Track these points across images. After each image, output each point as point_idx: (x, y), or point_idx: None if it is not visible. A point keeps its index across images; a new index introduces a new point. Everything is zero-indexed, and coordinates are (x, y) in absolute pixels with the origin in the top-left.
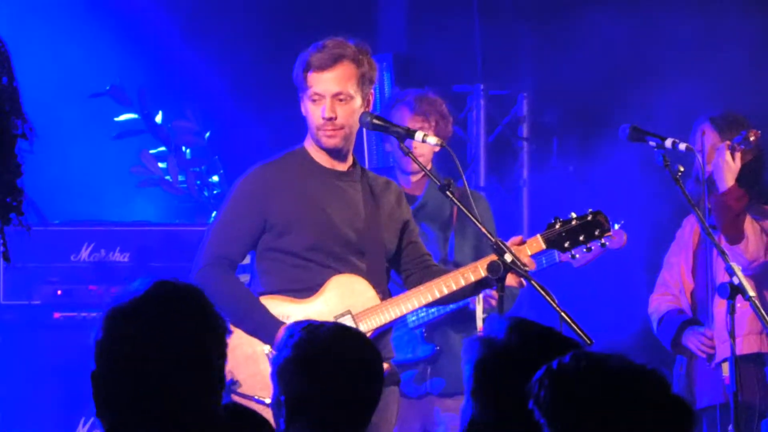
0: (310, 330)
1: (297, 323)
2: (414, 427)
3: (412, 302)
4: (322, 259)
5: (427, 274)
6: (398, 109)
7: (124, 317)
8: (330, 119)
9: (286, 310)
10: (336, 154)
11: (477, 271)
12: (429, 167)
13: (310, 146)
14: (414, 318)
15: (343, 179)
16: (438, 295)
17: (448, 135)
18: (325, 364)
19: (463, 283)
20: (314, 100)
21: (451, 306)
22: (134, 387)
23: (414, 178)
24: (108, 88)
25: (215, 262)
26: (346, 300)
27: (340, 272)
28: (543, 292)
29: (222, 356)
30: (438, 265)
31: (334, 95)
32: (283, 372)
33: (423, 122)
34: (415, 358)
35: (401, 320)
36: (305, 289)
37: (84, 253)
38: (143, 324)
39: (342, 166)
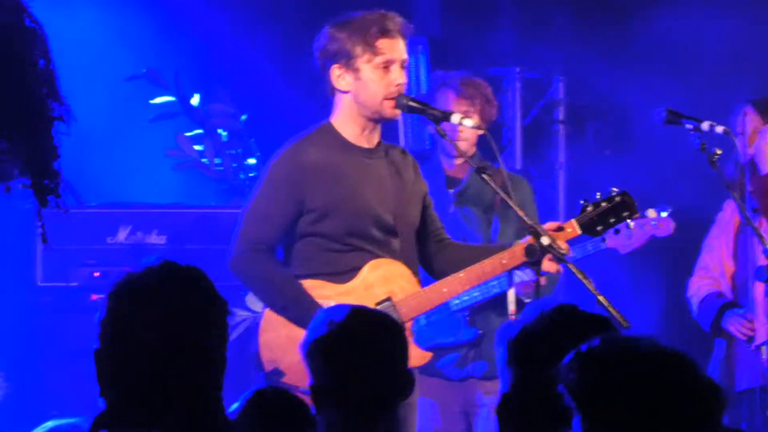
0: (335, 314)
1: (328, 309)
2: (456, 410)
3: (452, 289)
4: (359, 242)
5: (451, 252)
6: (442, 92)
7: (126, 296)
8: (402, 84)
9: (325, 294)
10: (372, 129)
11: (515, 257)
12: (473, 150)
13: (341, 123)
14: (457, 302)
15: (372, 157)
16: (477, 282)
17: (492, 118)
18: (349, 350)
19: (500, 270)
20: (385, 67)
21: (495, 290)
22: (135, 366)
23: (458, 161)
24: (144, 70)
25: (253, 247)
26: (386, 285)
27: (377, 255)
28: (581, 276)
29: (223, 337)
30: (448, 238)
31: (402, 62)
32: (309, 358)
33: (468, 106)
34: (457, 341)
35: (444, 303)
36: (343, 272)
37: (121, 236)
38: (144, 303)
39: (372, 144)
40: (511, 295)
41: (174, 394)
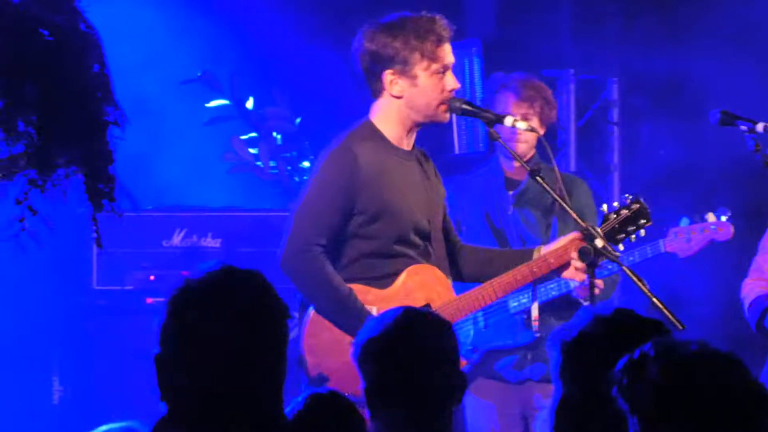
0: (388, 316)
1: (382, 314)
2: (514, 413)
3: (490, 295)
4: (402, 247)
5: (469, 255)
6: (502, 94)
7: (186, 301)
8: (455, 89)
9: (368, 299)
10: (413, 133)
11: (545, 264)
12: (532, 152)
13: (384, 125)
14: (515, 304)
15: (409, 159)
16: (516, 287)
17: (552, 121)
18: (403, 351)
19: (530, 279)
20: (441, 73)
21: (553, 293)
22: (197, 371)
23: (517, 164)
24: (199, 74)
25: (305, 248)
26: (424, 291)
27: (416, 261)
28: (635, 278)
29: (284, 340)
30: (461, 241)
31: (450, 66)
32: (360, 361)
33: (527, 108)
34: (515, 344)
35: (502, 306)
36: (384, 277)
37: (176, 239)
38: (204, 308)
39: (410, 147)
40: (535, 308)
41: (235, 398)
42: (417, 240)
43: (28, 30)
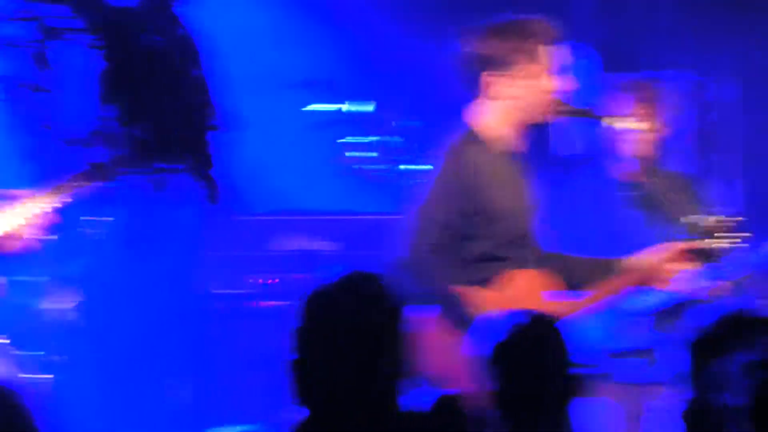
0: (509, 320)
1: (500, 317)
2: (636, 415)
3: (595, 298)
4: (512, 250)
5: (552, 262)
6: (619, 95)
7: (321, 307)
8: (562, 92)
9: (481, 301)
10: (518, 134)
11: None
12: (644, 153)
13: (490, 127)
14: (632, 306)
15: (514, 162)
16: (622, 289)
17: (667, 121)
18: (526, 354)
19: (647, 282)
20: (543, 74)
21: (669, 296)
22: (332, 374)
23: (626, 165)
24: (306, 78)
25: (420, 246)
26: (531, 295)
27: (522, 264)
28: (749, 278)
29: (404, 346)
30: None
31: (558, 69)
32: (484, 364)
33: (643, 108)
34: (637, 345)
35: (618, 308)
36: (494, 280)
37: (288, 242)
38: (340, 313)
39: (516, 147)
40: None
41: (370, 400)
42: (525, 242)
43: (133, 37)
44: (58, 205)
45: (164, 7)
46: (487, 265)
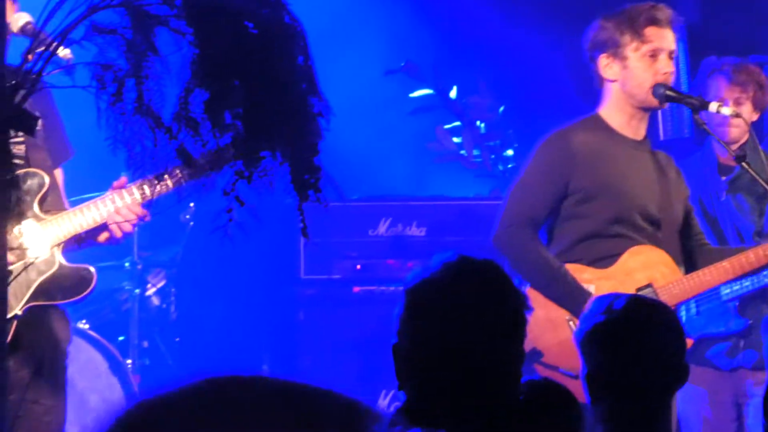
0: (612, 302)
1: (604, 296)
2: (726, 400)
3: (714, 277)
4: (623, 229)
5: (712, 256)
6: (714, 79)
7: (425, 292)
8: (670, 74)
9: (586, 277)
10: (639, 119)
11: None
12: (745, 137)
13: (609, 113)
14: (727, 291)
15: (639, 148)
16: (740, 272)
17: (766, 105)
18: (628, 338)
19: (765, 260)
20: (652, 56)
21: (766, 279)
22: (434, 361)
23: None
24: (403, 64)
25: (518, 223)
26: (646, 271)
27: (639, 243)
28: None
29: (521, 332)
30: (709, 244)
31: (670, 53)
32: (584, 345)
33: (740, 92)
34: (727, 331)
35: (714, 293)
36: (604, 258)
37: (382, 228)
38: (444, 299)
39: (639, 136)
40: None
41: (472, 388)
42: (642, 223)
43: (234, 23)
44: (151, 196)
45: None
46: (596, 243)
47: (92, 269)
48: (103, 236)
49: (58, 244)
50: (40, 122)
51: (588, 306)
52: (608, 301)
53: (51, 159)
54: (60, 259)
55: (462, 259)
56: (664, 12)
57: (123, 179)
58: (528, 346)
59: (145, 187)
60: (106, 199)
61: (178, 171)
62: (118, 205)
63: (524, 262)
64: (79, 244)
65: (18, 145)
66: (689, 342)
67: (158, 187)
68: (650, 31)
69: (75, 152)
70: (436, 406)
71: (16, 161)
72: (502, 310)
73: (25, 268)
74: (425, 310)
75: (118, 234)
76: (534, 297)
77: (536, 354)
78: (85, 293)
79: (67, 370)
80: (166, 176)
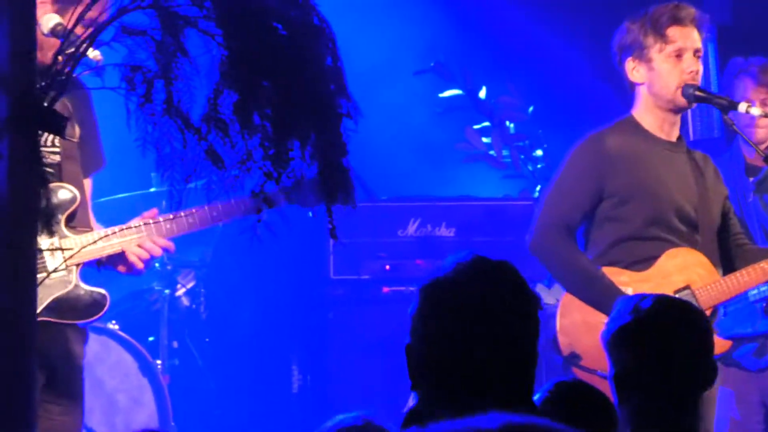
0: (640, 303)
1: (631, 297)
2: (753, 400)
3: (753, 278)
4: (659, 231)
5: (752, 255)
6: (741, 80)
7: (439, 292)
8: (696, 73)
9: (623, 280)
10: (671, 122)
11: None
12: None
13: (641, 116)
14: (755, 292)
15: (674, 150)
16: None
17: None
18: (655, 339)
19: None
20: (677, 56)
21: None
22: (448, 361)
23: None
24: (432, 64)
25: (553, 228)
26: (684, 273)
27: (676, 245)
28: None
29: (535, 332)
30: (749, 243)
31: (695, 51)
32: (611, 347)
33: (767, 94)
34: (755, 332)
35: (742, 294)
36: (641, 261)
37: (411, 228)
38: (458, 299)
39: (673, 136)
40: None
41: (486, 390)
42: (679, 225)
43: (263, 24)
44: (178, 232)
45: None
46: (633, 245)
47: (107, 294)
48: (122, 267)
49: (77, 264)
50: (77, 130)
51: (615, 307)
52: (635, 301)
53: (83, 169)
54: (76, 278)
55: (476, 258)
56: (687, 11)
57: (154, 210)
58: (567, 350)
59: (174, 222)
60: (132, 227)
61: (207, 209)
62: (145, 238)
63: (561, 266)
64: (98, 267)
65: (53, 155)
66: (727, 343)
67: (187, 223)
68: (673, 31)
69: (106, 163)
70: (449, 407)
71: (49, 170)
72: (516, 310)
73: (41, 282)
74: (438, 310)
75: (139, 265)
76: (571, 301)
77: (575, 357)
78: (95, 317)
79: (84, 383)
80: (194, 211)
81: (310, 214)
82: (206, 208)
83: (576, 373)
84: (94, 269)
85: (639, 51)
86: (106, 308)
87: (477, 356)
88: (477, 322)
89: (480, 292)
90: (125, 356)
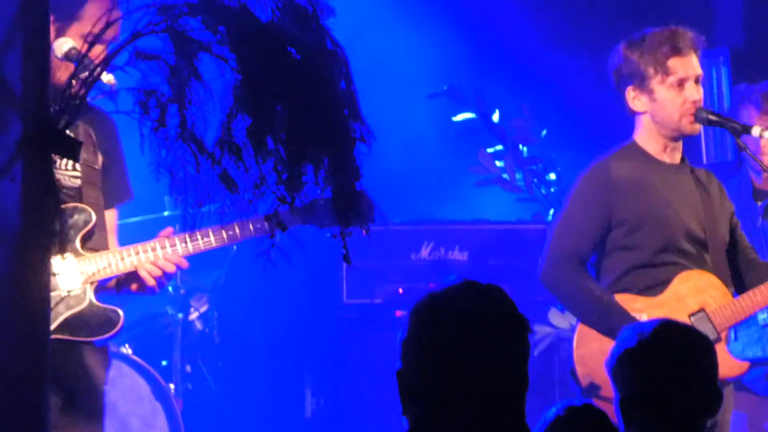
0: (644, 327)
1: (635, 324)
2: (764, 426)
3: (765, 297)
4: (671, 256)
5: (762, 271)
6: (745, 107)
7: (427, 316)
8: (699, 101)
9: (637, 307)
10: (673, 146)
11: None
12: None
13: (644, 141)
14: (764, 315)
15: (678, 173)
16: None
17: None
18: (658, 363)
19: None
20: (679, 85)
21: None
22: (437, 386)
23: (765, 175)
24: (445, 87)
25: (563, 259)
26: (698, 296)
27: (687, 268)
28: None
29: (524, 355)
30: (758, 258)
31: (696, 78)
32: (615, 371)
33: None
34: (765, 356)
35: (752, 318)
36: (654, 286)
37: (424, 252)
38: (445, 323)
39: (676, 160)
40: None
41: (476, 413)
42: (689, 248)
43: (277, 49)
44: (193, 251)
45: (312, 20)
46: (645, 272)
47: (120, 312)
48: (134, 286)
49: (92, 282)
50: (99, 158)
51: (620, 334)
52: (639, 327)
53: (107, 198)
54: (91, 296)
55: (466, 282)
56: (685, 38)
57: (169, 230)
58: (585, 381)
59: (188, 242)
60: (147, 246)
61: (223, 231)
62: (159, 256)
63: (573, 298)
64: (117, 290)
65: (73, 179)
66: (744, 365)
67: (201, 242)
68: (674, 62)
69: (134, 196)
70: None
71: (69, 193)
72: (505, 334)
73: (57, 303)
74: (428, 333)
75: (151, 283)
76: (588, 331)
77: (594, 388)
78: (109, 334)
79: (105, 408)
80: (210, 232)
81: (329, 235)
82: (221, 227)
83: (596, 404)
84: (112, 293)
85: (640, 81)
86: (119, 325)
87: (466, 380)
88: (466, 347)
89: (469, 317)
90: (138, 380)
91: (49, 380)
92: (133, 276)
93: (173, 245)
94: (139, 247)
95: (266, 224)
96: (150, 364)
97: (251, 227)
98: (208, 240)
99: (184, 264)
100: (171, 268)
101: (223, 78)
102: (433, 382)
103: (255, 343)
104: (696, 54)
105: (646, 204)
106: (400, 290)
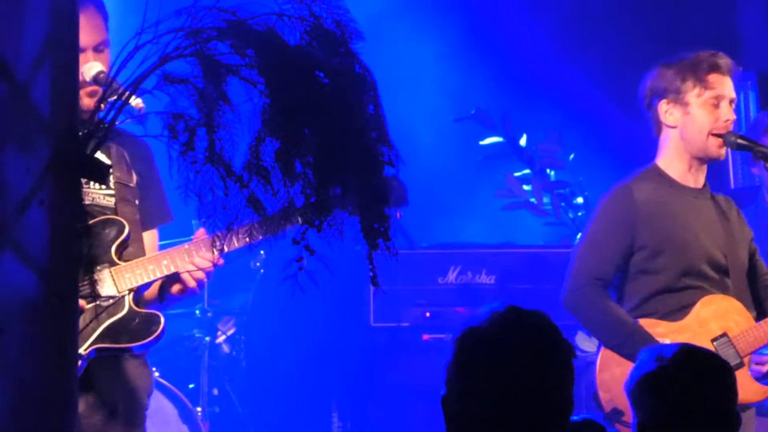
0: (663, 351)
1: (655, 347)
2: None
3: None
4: (693, 280)
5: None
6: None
7: (473, 342)
8: (731, 122)
9: (660, 332)
10: (697, 167)
11: None
12: None
13: (667, 163)
14: None
15: (700, 197)
16: None
17: None
18: (677, 388)
19: None
20: (714, 103)
21: None
22: (483, 412)
23: None
24: (473, 111)
25: (588, 283)
26: (720, 321)
27: (709, 292)
28: None
29: (570, 381)
30: None
31: (731, 100)
32: (635, 395)
33: None
34: None
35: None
36: (676, 310)
37: (451, 276)
38: (491, 349)
39: (699, 184)
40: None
41: None
42: (711, 272)
43: (306, 73)
44: (227, 249)
45: (340, 44)
46: (668, 297)
47: (161, 315)
48: (175, 288)
49: (130, 290)
50: (134, 176)
51: (639, 357)
52: (659, 351)
53: (146, 220)
54: (130, 303)
55: (510, 309)
56: (725, 60)
57: (202, 231)
58: (608, 406)
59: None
60: (181, 248)
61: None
62: (194, 255)
63: (596, 322)
64: (160, 302)
65: (108, 198)
66: (766, 389)
67: (235, 241)
68: (713, 78)
69: (174, 219)
70: None
71: (104, 212)
72: (550, 360)
73: (97, 315)
74: (473, 362)
75: (191, 284)
76: (611, 356)
77: (617, 413)
78: (150, 338)
79: (146, 421)
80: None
81: (358, 247)
82: (253, 224)
83: (619, 430)
84: (155, 305)
85: (675, 94)
86: (161, 329)
87: (513, 408)
88: (513, 374)
89: (515, 344)
90: (165, 403)
91: (76, 404)
92: (173, 279)
93: (207, 245)
94: (173, 250)
95: (300, 219)
96: (177, 387)
97: (284, 221)
98: (241, 236)
99: (220, 261)
100: (208, 266)
101: (251, 101)
102: (478, 409)
103: (282, 366)
104: (731, 78)
105: (667, 228)
106: (427, 314)
